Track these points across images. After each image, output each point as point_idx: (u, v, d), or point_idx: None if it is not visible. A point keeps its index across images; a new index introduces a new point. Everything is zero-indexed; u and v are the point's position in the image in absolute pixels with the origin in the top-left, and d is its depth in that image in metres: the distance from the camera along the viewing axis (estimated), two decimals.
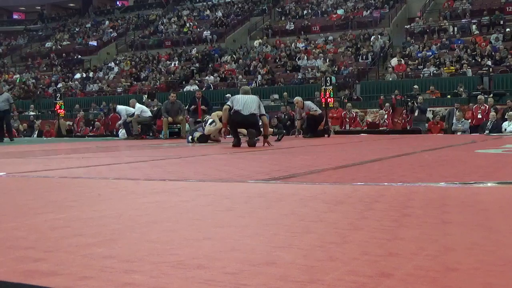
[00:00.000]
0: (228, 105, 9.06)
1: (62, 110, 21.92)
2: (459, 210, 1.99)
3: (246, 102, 8.93)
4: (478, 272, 1.13)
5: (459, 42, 24.66)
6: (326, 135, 14.20)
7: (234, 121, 8.95)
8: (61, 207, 2.29)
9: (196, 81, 26.87)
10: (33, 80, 35.28)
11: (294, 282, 1.06)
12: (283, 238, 1.50)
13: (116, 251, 1.35)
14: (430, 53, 23.94)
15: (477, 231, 1.59)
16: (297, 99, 14.19)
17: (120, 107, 16.80)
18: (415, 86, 20.48)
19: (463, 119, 16.83)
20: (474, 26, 26.25)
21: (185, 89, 25.64)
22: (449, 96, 19.69)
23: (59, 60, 37.91)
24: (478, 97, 17.50)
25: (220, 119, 10.55)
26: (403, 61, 23.61)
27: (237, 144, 8.74)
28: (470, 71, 21.35)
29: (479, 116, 16.76)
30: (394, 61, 23.96)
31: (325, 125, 14.97)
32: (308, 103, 14.13)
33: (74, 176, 3.81)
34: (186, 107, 16.06)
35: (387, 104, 18.48)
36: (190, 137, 11.37)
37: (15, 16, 55.35)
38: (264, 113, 9.40)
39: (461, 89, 19.60)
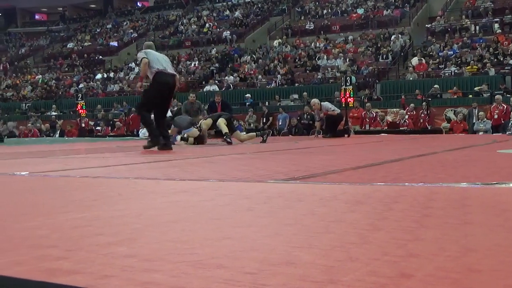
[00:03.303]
0: (145, 58, 7.94)
1: (83, 110, 22.16)
2: (480, 211, 1.97)
3: (167, 60, 8.18)
4: (499, 274, 1.11)
5: (481, 41, 24.40)
6: (346, 135, 14.14)
7: (161, 84, 7.90)
8: (82, 206, 2.31)
9: (216, 81, 26.94)
10: (55, 81, 35.67)
11: (313, 282, 1.06)
12: (303, 238, 1.50)
13: (136, 250, 1.36)
14: (452, 52, 23.72)
15: (498, 232, 1.58)
16: (314, 101, 14.18)
17: None
18: (436, 86, 20.30)
19: (485, 119, 16.66)
20: (496, 25, 25.95)
21: (204, 89, 25.73)
22: (470, 96, 19.48)
23: (81, 60, 38.30)
24: (496, 96, 17.30)
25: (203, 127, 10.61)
26: (424, 61, 23.43)
27: (158, 145, 7.91)
28: (492, 70, 21.10)
29: (495, 116, 16.56)
30: (414, 61, 23.78)
31: (345, 125, 14.93)
32: (325, 103, 14.11)
33: (94, 176, 3.84)
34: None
35: (411, 105, 18.30)
36: (179, 136, 11.08)
37: (37, 17, 56.00)
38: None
39: (485, 88, 19.36)
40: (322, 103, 13.95)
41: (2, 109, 30.99)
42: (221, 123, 10.79)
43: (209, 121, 10.94)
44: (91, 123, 23.61)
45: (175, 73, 8.21)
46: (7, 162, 6.18)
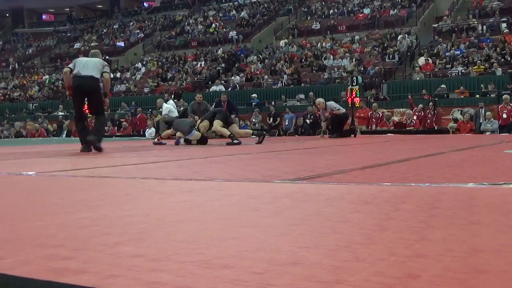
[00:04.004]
0: (69, 67, 8.26)
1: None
2: (487, 211, 1.96)
3: (86, 64, 8.15)
4: (507, 274, 1.11)
5: (488, 40, 24.31)
6: (352, 135, 14.09)
7: (74, 87, 8.07)
8: (89, 206, 2.32)
9: (222, 81, 26.95)
10: (62, 81, 35.75)
11: (320, 282, 1.06)
12: (309, 238, 1.50)
13: (143, 250, 1.37)
14: (459, 52, 23.64)
15: (506, 232, 1.57)
16: (319, 101, 14.13)
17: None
18: (443, 86, 20.23)
19: (492, 119, 16.59)
20: (503, 25, 25.85)
21: (211, 89, 25.75)
22: (477, 96, 19.40)
23: None
24: (504, 96, 17.23)
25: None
26: (430, 60, 23.36)
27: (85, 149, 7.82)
28: (499, 70, 21.01)
29: (504, 116, 16.50)
30: (421, 60, 23.71)
31: (351, 125, 14.87)
32: (331, 103, 14.05)
33: (101, 176, 3.85)
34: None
35: (420, 106, 18.23)
36: (182, 139, 10.89)
37: (44, 18, 56.21)
38: (108, 72, 8.48)
39: (491, 88, 19.28)
40: (327, 102, 13.90)
41: (9, 109, 31.12)
42: (218, 126, 10.64)
43: (206, 123, 10.80)
44: None
45: (92, 74, 8.02)
46: (14, 162, 6.21)
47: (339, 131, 13.54)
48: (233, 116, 15.62)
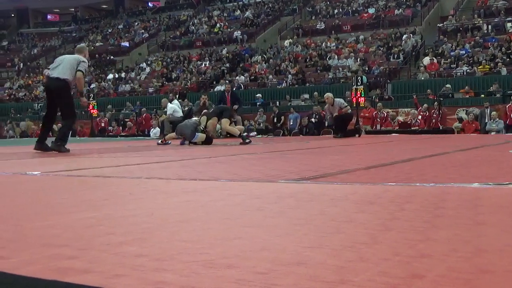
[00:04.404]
0: (48, 67, 8.42)
1: (95, 110, 22.26)
2: (492, 211, 1.96)
3: (59, 63, 7.95)
4: (511, 275, 1.11)
5: (493, 40, 24.22)
6: (357, 135, 14.06)
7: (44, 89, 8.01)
8: (94, 206, 2.32)
9: (227, 81, 26.96)
10: None
11: (324, 282, 1.06)
12: (313, 238, 1.50)
13: (148, 250, 1.37)
14: (464, 52, 23.57)
15: (511, 232, 1.57)
16: (328, 95, 14.05)
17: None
18: (448, 85, 20.18)
19: (497, 119, 16.53)
20: (508, 24, 25.74)
21: (215, 89, 25.75)
22: (483, 96, 19.33)
23: (92, 61, 38.43)
24: None
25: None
26: (435, 60, 23.29)
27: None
28: (504, 70, 20.93)
29: None
30: (426, 60, 23.65)
31: (356, 125, 14.82)
32: (339, 99, 13.99)
33: (106, 175, 3.86)
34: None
35: (425, 105, 18.18)
36: (187, 142, 10.71)
37: (49, 18, 56.34)
38: (81, 69, 8.01)
39: (496, 88, 19.22)
40: (335, 99, 13.81)
41: (14, 109, 31.20)
42: (227, 125, 10.62)
43: (215, 120, 10.77)
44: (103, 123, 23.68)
45: (58, 76, 7.82)
46: (19, 162, 6.23)
47: (343, 131, 13.51)
48: (236, 106, 15.58)
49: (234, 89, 21.52)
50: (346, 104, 13.85)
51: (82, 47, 8.88)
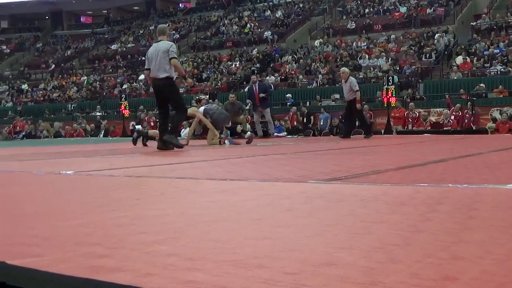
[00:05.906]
0: (145, 68, 8.38)
1: (127, 111, 22.52)
2: None
3: (153, 60, 7.92)
4: None
5: None
6: (364, 136, 13.10)
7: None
8: (126, 205, 2.35)
9: (253, 77, 27.03)
10: (99, 82, 36.38)
11: (354, 283, 1.05)
12: (344, 239, 1.49)
13: (179, 249, 1.38)
14: (498, 51, 23.16)
15: None
16: (344, 69, 13.63)
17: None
18: (481, 85, 19.85)
19: None
20: None
21: (245, 89, 25.81)
22: None
23: (124, 62, 38.94)
24: None
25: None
26: (468, 59, 22.94)
27: None
28: None
29: None
30: (459, 59, 23.30)
31: (363, 122, 13.85)
32: (354, 79, 13.42)
33: (138, 175, 3.90)
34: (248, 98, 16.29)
35: (458, 105, 17.92)
36: (227, 141, 10.84)
37: (82, 20, 57.22)
38: (174, 56, 7.98)
39: None
40: (351, 77, 13.37)
41: (48, 109, 31.77)
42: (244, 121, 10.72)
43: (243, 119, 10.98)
44: (133, 123, 23.91)
45: (158, 75, 7.98)
46: (53, 161, 6.34)
47: (351, 129, 13.13)
48: (262, 95, 15.43)
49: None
50: (358, 88, 13.14)
51: (164, 27, 8.94)
